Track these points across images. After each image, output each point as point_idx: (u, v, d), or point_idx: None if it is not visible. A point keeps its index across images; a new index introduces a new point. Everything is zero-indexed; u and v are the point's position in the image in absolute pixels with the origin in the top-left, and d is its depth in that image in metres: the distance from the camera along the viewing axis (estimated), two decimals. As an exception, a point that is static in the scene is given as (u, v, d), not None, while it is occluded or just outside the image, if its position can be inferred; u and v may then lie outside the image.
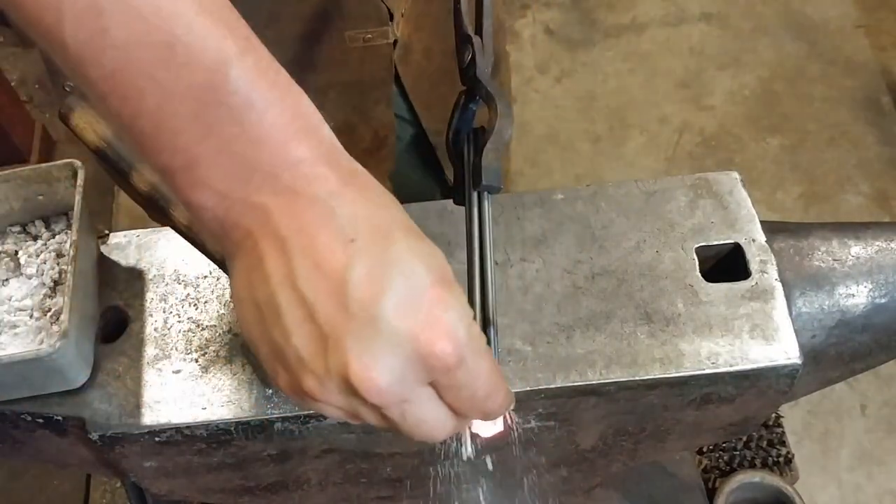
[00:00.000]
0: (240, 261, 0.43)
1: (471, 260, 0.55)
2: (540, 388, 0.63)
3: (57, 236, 0.69)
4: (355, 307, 0.39)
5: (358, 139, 0.94)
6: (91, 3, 0.37)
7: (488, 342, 0.51)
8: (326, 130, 0.43)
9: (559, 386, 0.63)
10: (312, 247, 0.40)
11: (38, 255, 0.67)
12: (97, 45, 0.38)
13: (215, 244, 0.44)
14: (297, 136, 0.41)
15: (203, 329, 0.66)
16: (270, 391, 0.63)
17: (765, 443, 1.32)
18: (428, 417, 0.43)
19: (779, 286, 0.66)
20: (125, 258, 0.70)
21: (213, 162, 0.40)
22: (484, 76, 0.58)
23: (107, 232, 0.72)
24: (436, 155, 1.02)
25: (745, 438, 1.32)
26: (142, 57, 0.38)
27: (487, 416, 0.46)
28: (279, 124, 0.41)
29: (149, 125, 0.40)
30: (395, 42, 0.86)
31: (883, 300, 0.69)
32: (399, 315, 0.39)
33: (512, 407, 0.47)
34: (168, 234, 0.71)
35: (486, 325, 0.53)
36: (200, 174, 0.40)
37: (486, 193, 0.56)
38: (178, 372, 0.64)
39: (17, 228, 0.69)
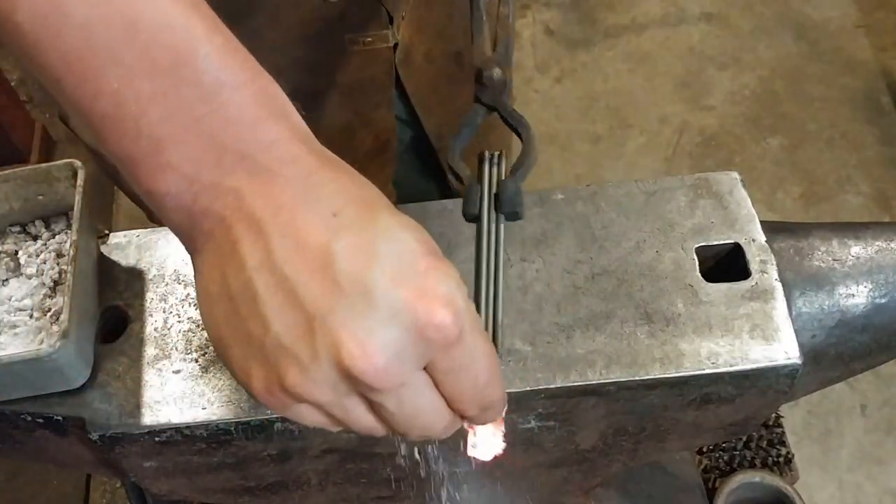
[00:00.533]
0: (209, 252, 0.40)
1: (478, 286, 0.54)
2: (540, 388, 0.62)
3: (57, 236, 0.69)
4: (344, 280, 0.36)
5: (359, 143, 0.94)
6: None
7: None
8: (298, 117, 0.41)
9: (559, 386, 0.63)
10: (292, 224, 0.37)
11: (38, 255, 0.67)
12: (54, 25, 0.36)
13: (182, 239, 0.42)
14: (270, 117, 0.39)
15: (203, 329, 0.66)
16: (270, 391, 0.63)
17: (765, 443, 1.32)
18: (426, 405, 0.40)
19: (779, 286, 0.66)
20: (125, 258, 0.70)
21: (181, 144, 0.38)
22: (514, 115, 0.59)
23: (107, 232, 0.72)
24: (436, 157, 1.02)
25: (745, 438, 1.32)
26: (103, 35, 0.36)
27: (485, 412, 0.42)
28: (251, 104, 0.39)
29: (110, 107, 0.37)
30: (396, 45, 0.86)
31: (883, 300, 0.69)
32: (393, 285, 0.36)
33: (505, 410, 0.44)
34: (168, 234, 0.71)
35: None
36: (165, 158, 0.38)
37: (502, 217, 0.57)
38: (178, 372, 0.64)
39: (17, 228, 0.69)
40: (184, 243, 0.42)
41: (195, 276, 0.41)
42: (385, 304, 0.36)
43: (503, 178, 0.59)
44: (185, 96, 0.38)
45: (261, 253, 0.37)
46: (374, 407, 0.39)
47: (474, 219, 0.58)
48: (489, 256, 0.56)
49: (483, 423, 0.45)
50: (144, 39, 0.37)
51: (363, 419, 0.40)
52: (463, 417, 0.43)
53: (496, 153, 0.61)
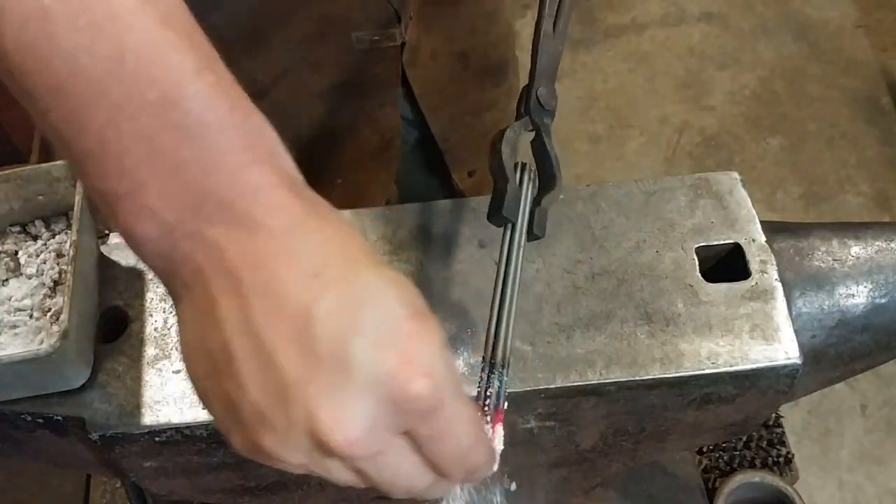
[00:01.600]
0: (189, 304, 0.38)
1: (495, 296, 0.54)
2: (540, 388, 0.63)
3: (57, 236, 0.69)
4: (322, 349, 0.35)
5: (363, 142, 0.94)
6: (37, 6, 0.34)
7: (499, 387, 0.49)
8: (288, 161, 0.39)
9: (559, 386, 0.63)
10: (272, 284, 0.36)
11: (38, 255, 0.67)
12: (42, 54, 0.35)
13: (163, 282, 0.40)
14: (256, 161, 0.37)
15: (203, 329, 0.66)
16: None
17: (765, 443, 1.32)
18: (407, 469, 0.39)
19: (779, 286, 0.66)
20: (125, 258, 0.70)
21: (162, 188, 0.36)
22: (553, 153, 0.59)
23: (107, 232, 0.72)
24: (441, 157, 1.02)
25: (745, 438, 1.32)
26: (89, 66, 0.35)
27: (471, 475, 0.41)
28: (236, 149, 0.37)
29: (94, 145, 0.36)
30: (403, 45, 0.86)
31: (883, 300, 0.69)
32: (373, 354, 0.35)
33: (495, 467, 0.43)
34: (168, 234, 0.71)
35: (502, 366, 0.51)
36: (146, 201, 0.36)
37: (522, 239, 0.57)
38: (178, 372, 0.64)
39: (17, 228, 0.69)
40: (166, 286, 0.40)
41: (178, 324, 0.40)
42: (363, 374, 0.35)
43: (529, 191, 0.59)
44: (169, 138, 0.36)
45: (238, 313, 0.36)
46: (355, 470, 0.38)
47: (500, 224, 0.57)
48: (510, 267, 0.55)
49: (471, 482, 0.44)
50: (132, 73, 0.35)
51: (344, 477, 0.39)
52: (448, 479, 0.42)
53: (528, 164, 0.60)
